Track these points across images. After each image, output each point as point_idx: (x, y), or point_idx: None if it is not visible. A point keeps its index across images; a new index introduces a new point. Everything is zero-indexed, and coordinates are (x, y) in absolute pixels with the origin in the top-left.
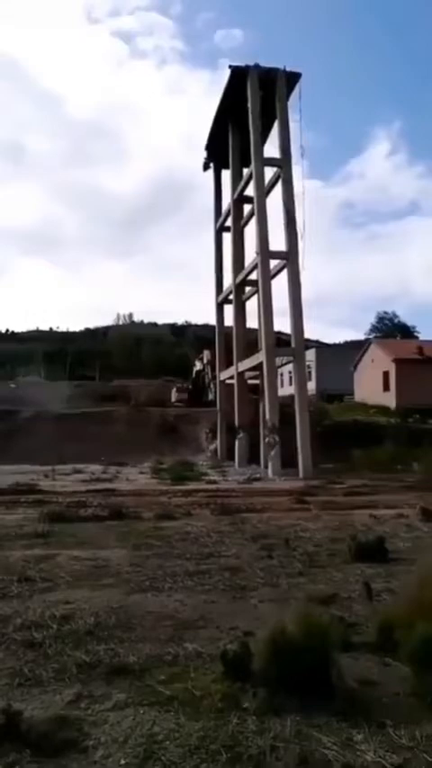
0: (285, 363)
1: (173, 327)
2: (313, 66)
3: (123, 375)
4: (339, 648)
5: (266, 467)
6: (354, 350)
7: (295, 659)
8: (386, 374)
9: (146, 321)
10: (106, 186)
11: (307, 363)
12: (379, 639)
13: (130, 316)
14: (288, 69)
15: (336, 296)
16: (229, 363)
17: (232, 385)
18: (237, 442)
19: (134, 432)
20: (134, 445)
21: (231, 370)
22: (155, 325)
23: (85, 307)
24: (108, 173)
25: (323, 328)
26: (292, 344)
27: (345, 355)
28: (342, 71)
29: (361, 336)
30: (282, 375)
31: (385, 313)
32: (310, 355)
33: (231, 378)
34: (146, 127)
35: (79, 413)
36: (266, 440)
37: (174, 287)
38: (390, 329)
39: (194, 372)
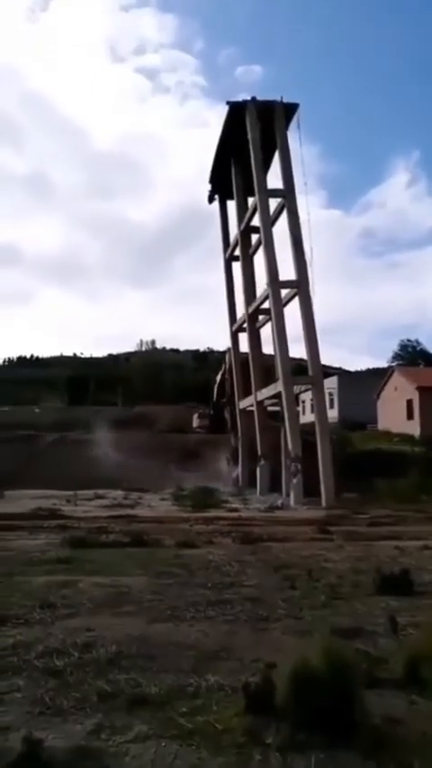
0: (304, 391)
1: (195, 354)
2: (332, 98)
3: (145, 401)
4: (364, 684)
5: (288, 495)
6: (377, 377)
7: (319, 694)
8: (410, 402)
9: (168, 348)
10: (129, 216)
11: (329, 391)
12: (405, 676)
13: (153, 342)
14: (285, 101)
15: (358, 323)
16: (247, 389)
17: (253, 411)
18: (258, 470)
19: (155, 457)
20: (155, 471)
21: (250, 399)
22: (177, 351)
23: (108, 333)
24: (130, 203)
25: (345, 356)
26: (310, 372)
27: (367, 383)
28: (362, 103)
29: (384, 364)
30: (303, 402)
31: (408, 340)
32: (332, 383)
33: (251, 405)
34: (168, 159)
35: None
36: (290, 468)
37: (195, 314)
38: (413, 357)
39: (215, 389)
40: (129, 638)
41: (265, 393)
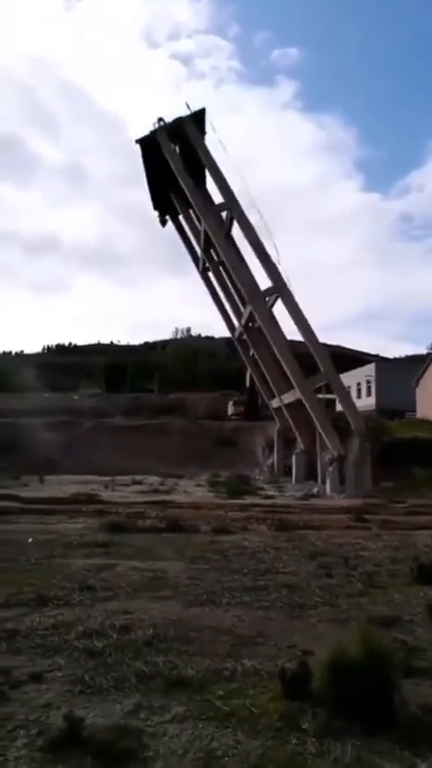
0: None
1: (229, 341)
2: (370, 80)
3: (181, 388)
4: (402, 673)
5: (324, 483)
6: (416, 364)
7: (356, 682)
8: None
9: (203, 335)
10: None
11: (366, 378)
12: None
13: (188, 330)
14: (191, 110)
15: (396, 309)
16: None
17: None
18: (294, 458)
19: (191, 444)
20: (191, 457)
21: (277, 401)
22: (212, 338)
23: (144, 321)
24: None
25: (383, 342)
26: (321, 368)
27: (406, 370)
28: (400, 85)
29: (423, 350)
30: (349, 387)
31: None
32: (370, 370)
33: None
34: None
35: (137, 425)
36: (327, 457)
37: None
38: None
39: (248, 376)
40: (166, 621)
41: (288, 398)
